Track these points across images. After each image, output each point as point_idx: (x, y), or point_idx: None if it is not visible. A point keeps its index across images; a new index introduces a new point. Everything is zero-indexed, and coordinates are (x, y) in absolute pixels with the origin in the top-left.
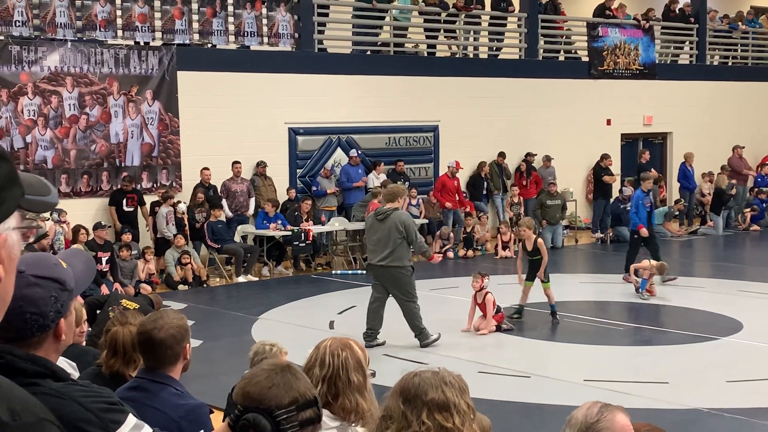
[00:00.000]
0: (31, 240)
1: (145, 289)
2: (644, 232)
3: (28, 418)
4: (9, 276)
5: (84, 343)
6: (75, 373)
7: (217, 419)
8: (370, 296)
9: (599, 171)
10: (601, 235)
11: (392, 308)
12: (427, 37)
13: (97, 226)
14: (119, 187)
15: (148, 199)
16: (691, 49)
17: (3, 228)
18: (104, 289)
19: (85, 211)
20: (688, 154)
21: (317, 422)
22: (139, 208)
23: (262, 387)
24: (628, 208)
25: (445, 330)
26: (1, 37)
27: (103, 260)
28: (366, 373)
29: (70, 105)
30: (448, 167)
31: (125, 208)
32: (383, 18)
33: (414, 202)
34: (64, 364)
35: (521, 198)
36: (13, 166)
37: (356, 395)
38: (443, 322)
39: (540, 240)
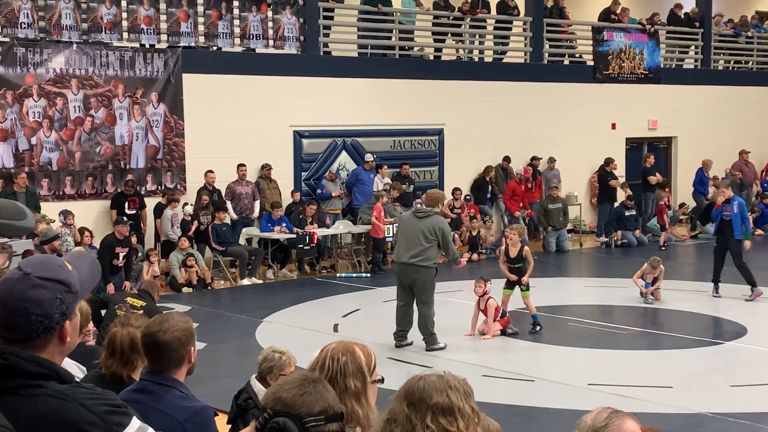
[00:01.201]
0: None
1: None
2: (747, 245)
3: None
4: None
5: (94, 343)
6: (81, 375)
7: (221, 422)
8: (397, 298)
9: (605, 175)
10: (606, 239)
11: (387, 314)
12: (433, 40)
13: (119, 221)
14: (121, 190)
15: (152, 201)
16: (696, 53)
17: None
18: (110, 288)
19: (89, 213)
20: (706, 161)
21: None
22: (140, 211)
23: (294, 393)
24: (633, 213)
25: (449, 333)
26: (7, 39)
27: (121, 255)
28: (366, 380)
29: (75, 107)
30: (517, 174)
31: (127, 211)
32: (389, 21)
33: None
34: (72, 365)
35: (526, 201)
36: None
37: (352, 401)
38: (448, 325)
39: (527, 248)
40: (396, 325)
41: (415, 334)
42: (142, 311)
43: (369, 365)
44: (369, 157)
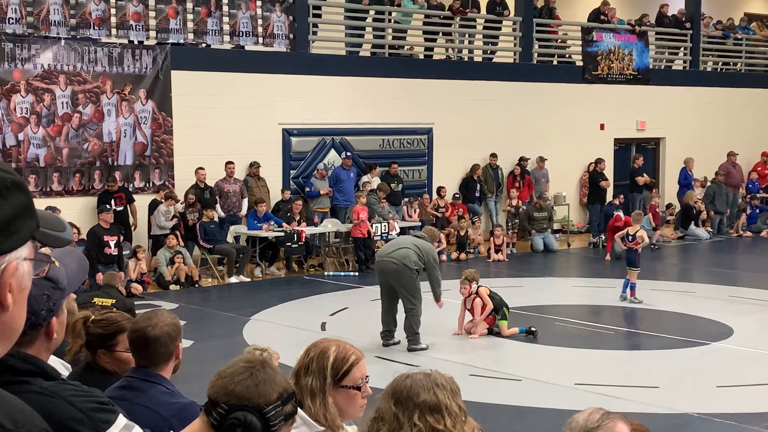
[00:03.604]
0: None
1: (136, 288)
2: None
3: (32, 428)
4: (18, 306)
5: None
6: (66, 372)
7: None
8: (381, 298)
9: (596, 176)
10: (594, 240)
11: (375, 313)
12: (424, 39)
13: (102, 210)
14: (104, 188)
15: (140, 198)
16: (684, 54)
17: (14, 256)
18: (99, 278)
19: (77, 210)
20: (688, 158)
21: (294, 415)
22: (128, 206)
23: (248, 385)
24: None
25: (436, 333)
26: None
27: (112, 244)
28: (327, 381)
29: (63, 103)
30: (615, 214)
31: (115, 208)
32: (381, 20)
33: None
34: (57, 363)
35: (519, 202)
36: (31, 199)
37: (307, 399)
38: (434, 324)
39: (481, 289)
40: (382, 324)
41: (403, 333)
42: (114, 309)
43: (338, 368)
44: (345, 155)
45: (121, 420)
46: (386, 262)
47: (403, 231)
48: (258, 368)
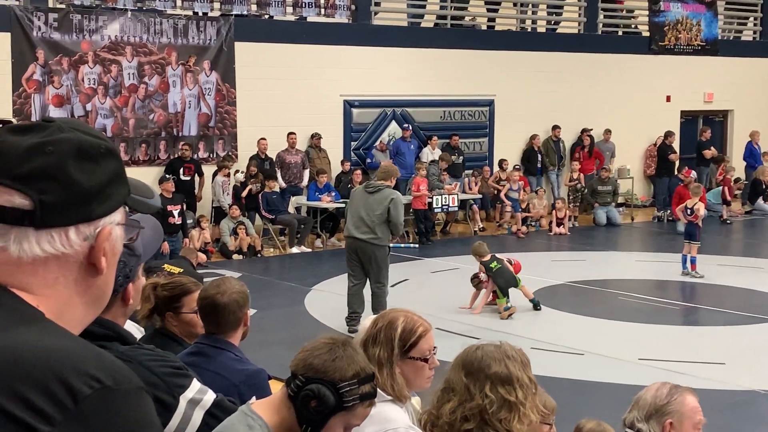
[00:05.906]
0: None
1: (201, 258)
2: None
3: (129, 385)
4: (111, 269)
5: None
6: (140, 335)
7: (275, 387)
8: (348, 279)
9: (665, 149)
10: (659, 214)
11: (435, 285)
12: (486, 10)
13: (162, 180)
14: (177, 155)
15: (204, 169)
16: (755, 25)
17: (108, 221)
18: (165, 247)
19: (142, 180)
20: (754, 132)
21: (374, 397)
22: (197, 177)
23: (325, 360)
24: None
25: (488, 308)
26: (63, 6)
27: (175, 213)
28: (394, 352)
29: (129, 74)
30: (683, 176)
31: (182, 177)
32: None
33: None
34: (133, 328)
35: (581, 174)
36: (123, 166)
37: (375, 369)
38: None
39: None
40: (347, 307)
41: (451, 308)
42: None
43: (406, 339)
44: (404, 127)
45: (195, 384)
46: (356, 242)
47: (463, 204)
48: (338, 345)
